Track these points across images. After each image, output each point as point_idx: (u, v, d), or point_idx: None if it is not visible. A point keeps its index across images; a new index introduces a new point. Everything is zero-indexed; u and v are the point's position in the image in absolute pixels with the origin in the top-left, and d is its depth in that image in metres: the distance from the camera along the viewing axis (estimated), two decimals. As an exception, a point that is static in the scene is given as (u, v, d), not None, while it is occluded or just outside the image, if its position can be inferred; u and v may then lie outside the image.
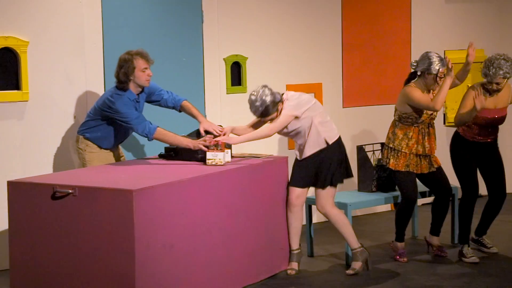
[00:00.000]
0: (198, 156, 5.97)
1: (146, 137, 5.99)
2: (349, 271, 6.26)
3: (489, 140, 6.61)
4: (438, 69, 6.30)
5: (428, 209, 6.84)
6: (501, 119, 6.60)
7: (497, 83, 6.41)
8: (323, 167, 6.14)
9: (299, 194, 6.22)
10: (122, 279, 4.92)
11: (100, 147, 6.19)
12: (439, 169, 6.58)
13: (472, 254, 6.59)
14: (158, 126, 5.98)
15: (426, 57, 6.37)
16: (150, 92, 6.26)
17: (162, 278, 5.10)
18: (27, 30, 6.33)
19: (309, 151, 6.14)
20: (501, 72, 6.35)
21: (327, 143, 6.14)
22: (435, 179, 6.59)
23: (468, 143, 6.56)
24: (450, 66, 6.23)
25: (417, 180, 6.62)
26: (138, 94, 6.09)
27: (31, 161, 6.38)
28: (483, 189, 6.77)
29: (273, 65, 7.71)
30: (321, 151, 6.13)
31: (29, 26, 6.34)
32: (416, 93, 6.33)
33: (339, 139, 6.25)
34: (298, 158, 6.22)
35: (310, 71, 7.85)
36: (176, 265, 5.21)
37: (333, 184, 6.17)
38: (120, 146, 6.43)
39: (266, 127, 6.12)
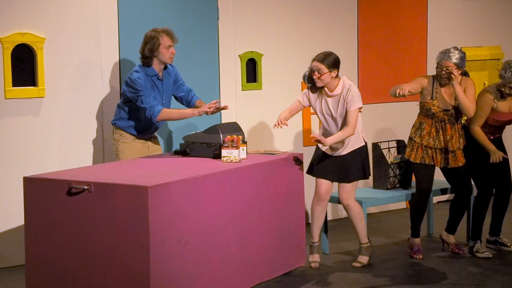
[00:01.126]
0: (213, 153, 5.98)
1: (150, 119, 6.05)
2: (356, 264, 6.36)
3: (497, 136, 6.60)
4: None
5: (443, 207, 6.82)
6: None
7: (510, 88, 6.36)
8: (355, 162, 6.24)
9: (328, 189, 6.33)
10: (136, 275, 4.92)
11: (134, 137, 6.23)
12: (462, 167, 6.52)
13: (485, 250, 6.59)
14: (163, 108, 6.05)
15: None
16: (175, 78, 6.37)
17: (177, 275, 5.11)
18: (44, 26, 6.35)
19: (351, 147, 6.23)
20: None
21: (364, 141, 6.30)
22: (457, 176, 6.55)
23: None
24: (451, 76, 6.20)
25: (443, 178, 6.63)
26: (160, 73, 6.19)
27: (47, 157, 6.41)
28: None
29: (288, 62, 7.70)
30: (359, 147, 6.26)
31: (45, 22, 6.36)
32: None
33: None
34: (342, 153, 6.24)
35: (325, 68, 7.81)
36: (191, 261, 5.21)
37: (359, 179, 6.29)
38: (157, 137, 6.43)
39: (348, 128, 6.10)
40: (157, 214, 4.93)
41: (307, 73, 6.25)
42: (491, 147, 6.45)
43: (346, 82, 6.21)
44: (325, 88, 6.21)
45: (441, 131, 6.44)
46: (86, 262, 5.08)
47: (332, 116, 6.21)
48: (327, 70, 6.13)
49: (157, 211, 4.92)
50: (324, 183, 6.32)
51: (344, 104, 6.14)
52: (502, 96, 6.47)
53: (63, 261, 5.15)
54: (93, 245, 5.05)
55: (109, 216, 5.00)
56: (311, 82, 6.24)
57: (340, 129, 6.17)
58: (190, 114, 6.12)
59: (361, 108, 6.18)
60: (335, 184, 6.37)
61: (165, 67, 6.26)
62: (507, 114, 6.51)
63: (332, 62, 6.15)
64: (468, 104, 6.26)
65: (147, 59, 6.13)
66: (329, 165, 6.30)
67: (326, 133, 6.27)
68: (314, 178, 6.38)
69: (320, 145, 6.29)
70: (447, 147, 6.43)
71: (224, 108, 6.20)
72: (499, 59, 8.87)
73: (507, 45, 9.02)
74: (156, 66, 6.18)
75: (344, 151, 6.25)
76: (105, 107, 6.59)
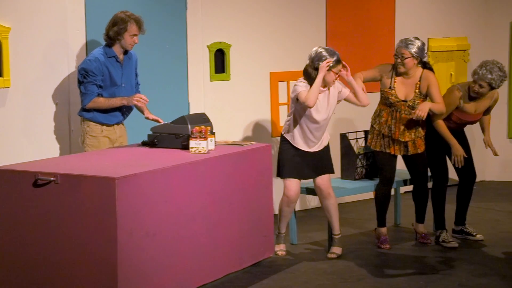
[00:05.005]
0: (181, 144, 5.96)
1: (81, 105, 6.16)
2: (331, 255, 6.38)
3: (457, 129, 6.67)
4: None
5: (411, 197, 6.86)
6: (475, 122, 6.69)
7: (480, 86, 6.39)
8: (328, 155, 6.43)
9: (298, 191, 6.40)
10: (104, 267, 4.90)
11: (102, 127, 6.20)
12: (420, 155, 6.56)
13: (451, 239, 6.66)
14: (95, 98, 6.10)
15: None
16: (135, 66, 6.40)
17: (145, 266, 5.09)
18: (9, 16, 6.27)
19: (324, 143, 6.40)
20: (489, 76, 6.33)
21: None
22: (415, 163, 6.60)
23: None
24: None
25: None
26: (120, 56, 6.23)
27: (13, 148, 6.34)
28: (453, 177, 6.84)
29: (257, 52, 7.69)
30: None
31: (11, 12, 6.28)
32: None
33: None
34: (315, 149, 6.33)
35: (294, 59, 7.82)
36: (159, 253, 5.20)
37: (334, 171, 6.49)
38: (125, 127, 6.40)
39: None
40: (125, 205, 4.90)
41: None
42: (452, 141, 6.48)
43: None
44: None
45: (396, 121, 6.46)
46: (53, 254, 5.04)
47: (323, 111, 6.25)
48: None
49: (124, 202, 4.90)
50: (294, 185, 6.34)
51: (334, 96, 6.29)
52: (470, 97, 6.50)
53: (30, 253, 5.11)
54: (60, 237, 5.01)
55: (76, 207, 4.96)
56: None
57: (324, 127, 6.30)
58: (119, 103, 6.15)
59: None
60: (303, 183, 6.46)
61: (126, 52, 6.27)
62: (472, 115, 6.55)
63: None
64: (441, 108, 6.33)
65: (110, 40, 6.16)
66: (303, 163, 6.32)
67: (307, 132, 6.27)
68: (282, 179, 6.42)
69: (298, 143, 6.30)
70: (399, 138, 6.45)
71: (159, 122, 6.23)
72: (465, 50, 8.93)
73: (473, 36, 9.09)
74: (117, 49, 6.21)
75: (320, 147, 6.36)
76: (72, 97, 6.53)
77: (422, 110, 6.25)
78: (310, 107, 6.09)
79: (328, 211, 6.42)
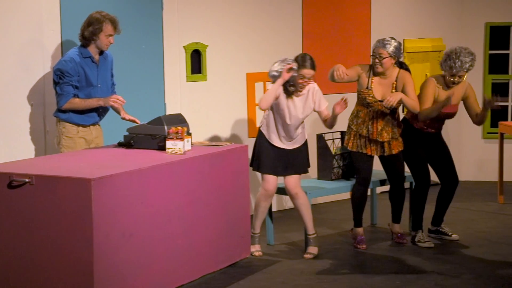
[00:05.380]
0: (157, 144, 5.94)
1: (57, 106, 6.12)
2: (308, 256, 6.39)
3: (433, 131, 6.68)
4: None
5: (387, 197, 6.88)
6: (453, 114, 6.71)
7: (460, 76, 6.46)
8: (302, 156, 6.43)
9: (275, 185, 6.43)
10: (80, 268, 4.87)
11: (78, 128, 6.16)
12: (396, 156, 6.59)
13: (427, 239, 6.69)
14: (71, 98, 6.06)
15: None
16: (111, 67, 6.36)
17: (121, 267, 5.07)
18: (-17, 16, 6.23)
19: (300, 142, 6.42)
20: (466, 65, 6.40)
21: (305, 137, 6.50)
22: (392, 164, 6.63)
23: (416, 132, 6.62)
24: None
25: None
26: (96, 56, 6.19)
27: (-13, 149, 6.29)
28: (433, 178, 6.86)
29: (233, 53, 7.68)
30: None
31: (-15, 12, 6.23)
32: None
33: None
34: (288, 147, 6.38)
35: (270, 59, 7.75)
36: (136, 254, 5.18)
37: (306, 171, 6.49)
38: (101, 128, 6.36)
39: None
40: (101, 206, 4.88)
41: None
42: (440, 104, 6.39)
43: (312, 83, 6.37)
44: (290, 87, 6.33)
45: (373, 121, 6.49)
46: (28, 255, 5.01)
47: (296, 114, 6.29)
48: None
49: (100, 203, 4.88)
50: (272, 178, 6.40)
51: (310, 104, 6.33)
52: (447, 85, 6.55)
53: (5, 254, 5.07)
54: (36, 238, 4.98)
55: (52, 209, 4.93)
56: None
57: (298, 127, 6.36)
58: (95, 104, 6.12)
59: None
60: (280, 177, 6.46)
61: (101, 52, 6.24)
62: (448, 106, 6.59)
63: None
64: (415, 106, 6.35)
65: (86, 40, 6.13)
66: (277, 160, 6.37)
67: (280, 129, 6.35)
68: (259, 173, 6.45)
69: (272, 139, 6.33)
70: (377, 138, 6.47)
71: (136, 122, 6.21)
72: (441, 51, 8.98)
73: (449, 37, 9.14)
74: (92, 49, 6.17)
75: (294, 145, 6.39)
76: (47, 98, 6.48)
77: (392, 97, 6.26)
78: (262, 109, 6.25)
79: (298, 210, 6.45)
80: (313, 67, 6.29)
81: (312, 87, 6.37)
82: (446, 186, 6.80)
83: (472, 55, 6.46)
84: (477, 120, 6.69)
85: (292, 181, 6.40)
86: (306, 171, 6.50)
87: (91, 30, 6.08)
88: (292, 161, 6.39)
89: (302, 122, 6.39)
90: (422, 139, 6.66)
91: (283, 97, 6.31)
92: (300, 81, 6.25)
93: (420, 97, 6.49)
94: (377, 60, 6.38)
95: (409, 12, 8.91)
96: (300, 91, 6.31)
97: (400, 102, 6.35)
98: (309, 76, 6.26)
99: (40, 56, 6.48)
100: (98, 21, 6.09)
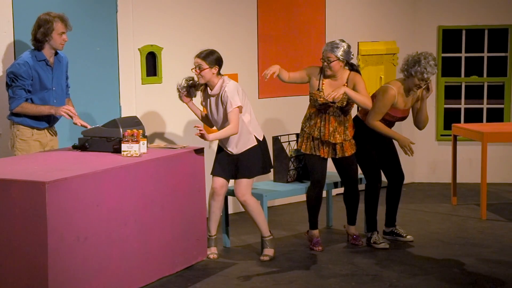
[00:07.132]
0: (113, 147, 5.90)
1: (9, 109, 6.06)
2: (264, 258, 6.40)
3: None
4: None
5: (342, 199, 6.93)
6: (405, 118, 6.80)
7: (426, 81, 6.54)
8: (248, 160, 6.33)
9: (223, 184, 6.40)
10: (35, 272, 4.82)
11: (33, 131, 6.09)
12: (349, 158, 6.64)
13: (382, 241, 6.75)
14: (23, 102, 6.01)
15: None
16: (66, 69, 6.31)
17: (76, 270, 5.03)
18: None
19: (243, 147, 6.32)
20: (435, 69, 6.53)
21: (257, 140, 6.36)
22: (344, 166, 6.67)
23: (368, 131, 6.66)
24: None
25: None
26: (51, 58, 6.13)
27: None
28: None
29: (188, 55, 7.61)
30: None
31: None
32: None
33: (264, 137, 6.45)
34: (234, 152, 6.33)
35: (225, 62, 7.76)
36: (91, 257, 5.14)
37: (254, 175, 6.38)
38: (56, 130, 6.29)
39: (231, 126, 6.16)
40: (56, 210, 4.84)
41: (183, 83, 6.39)
42: (396, 135, 6.61)
43: (225, 82, 6.28)
44: (208, 87, 6.32)
45: (325, 123, 6.52)
46: (-19, 260, 4.94)
47: (216, 115, 6.30)
48: (207, 66, 6.21)
49: (55, 207, 4.83)
50: (218, 178, 6.41)
51: (222, 105, 6.25)
52: (408, 90, 6.62)
53: (-43, 259, 5.00)
54: (-11, 242, 4.91)
55: (6, 212, 4.87)
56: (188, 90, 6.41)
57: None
58: (47, 112, 6.07)
59: (240, 106, 6.21)
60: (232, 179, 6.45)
61: (56, 53, 6.19)
62: (402, 111, 6.67)
63: (214, 59, 6.27)
64: (364, 101, 6.36)
65: (39, 43, 6.08)
66: (225, 163, 6.38)
67: (230, 141, 6.36)
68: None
69: (220, 143, 6.34)
70: (329, 139, 6.51)
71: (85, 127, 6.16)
72: (394, 54, 9.07)
73: (402, 40, 9.24)
74: (47, 51, 6.11)
75: (235, 150, 6.34)
76: (0, 101, 6.41)
77: (336, 91, 6.27)
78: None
79: (250, 216, 6.45)
80: (204, 57, 6.23)
81: (224, 88, 6.23)
82: (392, 183, 6.88)
83: (433, 60, 6.55)
84: (418, 117, 6.76)
85: (239, 188, 6.35)
86: (253, 175, 6.36)
87: (42, 31, 6.02)
88: (235, 166, 6.36)
89: (234, 124, 6.18)
90: (374, 138, 6.72)
91: (206, 101, 6.36)
92: (192, 69, 6.29)
93: (375, 104, 6.53)
94: (326, 63, 6.44)
95: (363, 15, 8.98)
96: (200, 85, 6.32)
97: (348, 99, 6.36)
98: (196, 64, 6.24)
99: (-7, 58, 6.40)
100: (47, 21, 6.04)
